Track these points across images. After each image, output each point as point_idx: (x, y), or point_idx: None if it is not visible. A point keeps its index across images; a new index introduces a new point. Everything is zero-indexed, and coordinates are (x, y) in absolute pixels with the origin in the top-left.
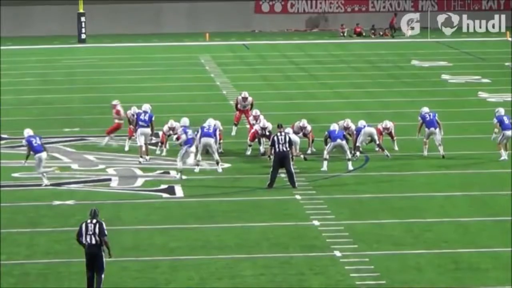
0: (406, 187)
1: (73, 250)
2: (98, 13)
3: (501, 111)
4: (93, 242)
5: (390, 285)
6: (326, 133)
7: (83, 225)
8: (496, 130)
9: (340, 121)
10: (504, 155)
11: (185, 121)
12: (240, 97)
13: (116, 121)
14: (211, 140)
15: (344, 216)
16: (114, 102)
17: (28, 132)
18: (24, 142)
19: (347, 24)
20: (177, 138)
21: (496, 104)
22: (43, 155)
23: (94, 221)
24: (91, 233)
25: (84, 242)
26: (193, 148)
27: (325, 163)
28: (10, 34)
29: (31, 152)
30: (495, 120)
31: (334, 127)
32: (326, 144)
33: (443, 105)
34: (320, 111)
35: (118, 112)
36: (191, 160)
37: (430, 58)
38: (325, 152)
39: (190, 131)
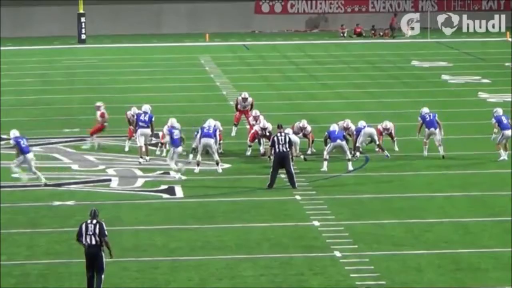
0: (406, 188)
1: (73, 251)
2: (98, 14)
3: (499, 111)
4: (93, 242)
5: (390, 285)
6: (326, 133)
7: (83, 226)
8: (495, 130)
9: (340, 122)
10: (504, 155)
11: (173, 121)
12: (240, 98)
13: (100, 123)
14: (211, 141)
15: (344, 217)
16: (98, 103)
17: (14, 133)
18: (12, 142)
19: (347, 25)
20: (161, 137)
21: (496, 105)
22: (30, 155)
23: (94, 221)
24: (91, 233)
25: (84, 242)
26: (179, 149)
27: (325, 163)
28: (10, 35)
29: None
30: (493, 120)
31: (334, 127)
32: (326, 144)
33: (443, 106)
34: (320, 112)
35: (102, 115)
36: (177, 161)
37: (430, 59)
38: (325, 152)
39: (176, 131)
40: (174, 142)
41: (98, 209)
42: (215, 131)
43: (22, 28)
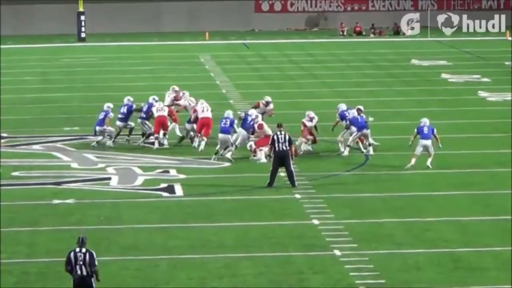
0: (405, 186)
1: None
2: (98, 12)
3: (423, 121)
4: (84, 273)
5: (390, 284)
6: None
7: (72, 255)
8: (419, 141)
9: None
10: (412, 162)
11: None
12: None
13: None
14: (227, 137)
15: (343, 215)
16: None
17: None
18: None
19: (346, 23)
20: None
21: (496, 104)
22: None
23: (84, 250)
24: (81, 263)
25: (74, 273)
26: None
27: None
28: (10, 33)
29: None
30: (415, 130)
31: (354, 113)
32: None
33: (443, 105)
34: (320, 110)
35: None
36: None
37: (430, 57)
38: (350, 139)
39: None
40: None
41: (86, 236)
42: (232, 122)
43: (22, 26)
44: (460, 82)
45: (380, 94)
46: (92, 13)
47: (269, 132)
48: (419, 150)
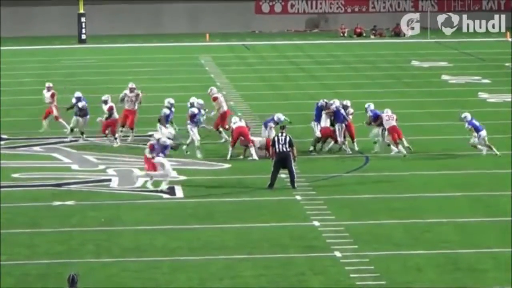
0: (405, 188)
1: (73, 251)
2: (98, 14)
3: (468, 116)
4: None
5: (390, 285)
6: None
7: None
8: (474, 134)
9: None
10: (484, 150)
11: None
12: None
13: None
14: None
15: (344, 217)
16: None
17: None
18: None
19: (347, 25)
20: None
21: (496, 105)
22: None
23: None
24: None
25: None
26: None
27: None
28: (10, 35)
29: None
30: (468, 126)
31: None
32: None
33: (443, 106)
34: None
35: None
36: None
37: (430, 59)
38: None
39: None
40: None
41: (78, 274)
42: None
43: (22, 27)
44: (461, 83)
45: (380, 96)
46: (93, 15)
47: (225, 106)
48: (478, 141)
